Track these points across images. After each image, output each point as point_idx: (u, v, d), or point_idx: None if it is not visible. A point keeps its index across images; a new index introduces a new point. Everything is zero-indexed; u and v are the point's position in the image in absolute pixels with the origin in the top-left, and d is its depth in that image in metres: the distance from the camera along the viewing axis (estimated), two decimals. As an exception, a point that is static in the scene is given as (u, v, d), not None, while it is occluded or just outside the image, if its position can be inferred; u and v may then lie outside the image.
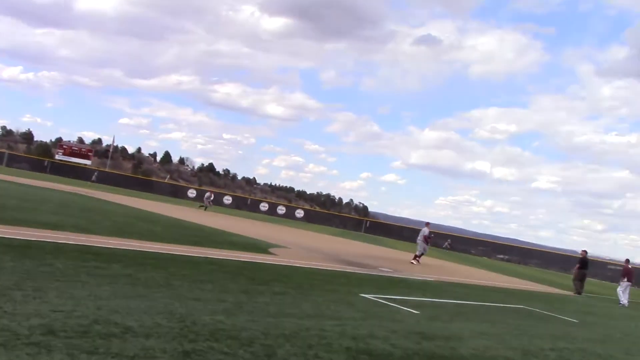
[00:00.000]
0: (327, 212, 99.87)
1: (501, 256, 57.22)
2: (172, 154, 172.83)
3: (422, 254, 25.93)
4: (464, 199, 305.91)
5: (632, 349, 11.14)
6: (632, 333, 13.94)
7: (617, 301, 23.15)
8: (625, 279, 23.52)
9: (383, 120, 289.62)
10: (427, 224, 27.51)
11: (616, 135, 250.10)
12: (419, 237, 26.23)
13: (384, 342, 7.39)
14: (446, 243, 56.67)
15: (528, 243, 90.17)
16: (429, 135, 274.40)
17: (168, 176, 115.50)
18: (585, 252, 25.79)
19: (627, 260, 25.77)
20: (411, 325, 9.07)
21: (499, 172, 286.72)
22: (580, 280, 24.94)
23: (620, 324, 15.67)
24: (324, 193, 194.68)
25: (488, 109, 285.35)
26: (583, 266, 25.07)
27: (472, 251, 58.75)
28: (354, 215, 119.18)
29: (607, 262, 59.98)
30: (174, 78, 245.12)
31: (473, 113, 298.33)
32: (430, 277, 19.22)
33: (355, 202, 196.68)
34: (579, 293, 24.42)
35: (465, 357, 7.46)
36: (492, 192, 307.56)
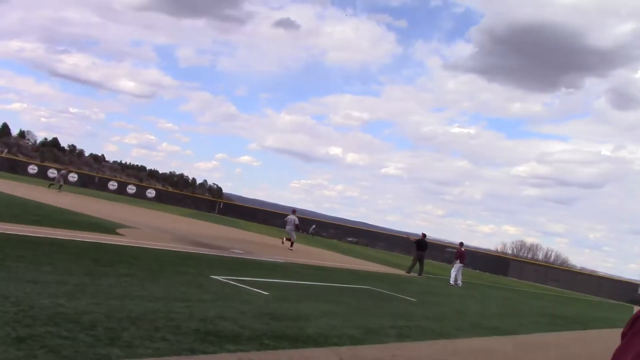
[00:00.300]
0: (179, 192, 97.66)
1: (351, 239, 59.39)
2: (11, 126, 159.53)
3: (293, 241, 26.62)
4: (317, 183, 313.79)
5: (463, 325, 12.07)
6: (464, 311, 15.09)
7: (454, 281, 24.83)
8: (458, 261, 25.26)
9: (240, 101, 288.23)
10: (294, 211, 28.07)
11: (458, 127, 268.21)
12: (289, 226, 26.85)
13: (233, 323, 7.41)
14: (312, 228, 57.56)
15: (376, 226, 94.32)
16: (285, 118, 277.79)
17: (5, 150, 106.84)
18: (424, 235, 27.18)
19: (461, 244, 27.69)
20: (260, 306, 9.17)
21: (351, 157, 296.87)
22: (418, 260, 26.15)
23: (454, 303, 16.90)
24: (177, 173, 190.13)
25: (343, 96, 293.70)
26: (420, 248, 26.21)
27: (324, 234, 60.40)
28: (207, 196, 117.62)
29: (445, 245, 64.29)
30: (15, 44, 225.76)
31: (328, 99, 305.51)
32: (281, 259, 19.51)
33: (210, 183, 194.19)
34: (417, 274, 25.57)
35: (312, 337, 7.67)
36: (344, 176, 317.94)
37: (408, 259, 44.87)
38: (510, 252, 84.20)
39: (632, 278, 55.81)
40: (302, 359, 6.49)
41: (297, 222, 27.28)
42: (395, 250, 55.78)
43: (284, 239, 27.08)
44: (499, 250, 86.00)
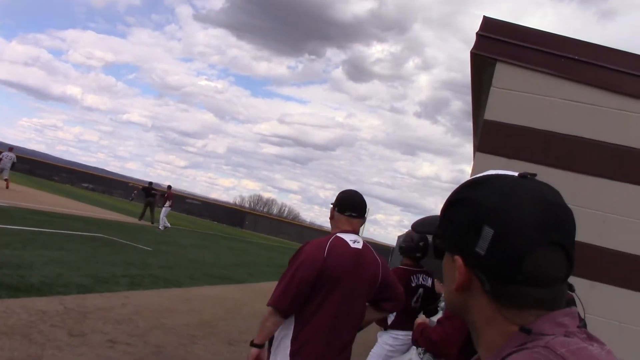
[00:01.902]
0: None
1: (86, 185, 56.21)
2: None
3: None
4: (51, 123, 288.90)
5: (196, 274, 12.36)
6: (198, 260, 15.42)
7: (191, 231, 24.92)
8: (168, 204, 24.93)
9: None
10: (11, 148, 26.65)
11: (206, 79, 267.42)
12: (6, 163, 24.90)
13: (-61, 271, 6.64)
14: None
15: (115, 174, 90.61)
16: (17, 48, 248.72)
17: None
18: (150, 183, 27.38)
19: (169, 187, 27.54)
20: (-25, 253, 8.34)
21: (91, 99, 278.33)
22: (147, 207, 26.33)
23: (188, 252, 17.15)
24: None
25: (85, 32, 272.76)
26: (148, 195, 26.59)
27: (56, 178, 56.25)
28: None
29: (186, 196, 64.39)
30: None
31: (68, 33, 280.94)
32: (4, 202, 17.80)
33: None
34: (149, 222, 25.38)
35: (35, 285, 7.24)
36: (82, 119, 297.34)
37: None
38: (247, 205, 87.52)
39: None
40: (21, 308, 6.10)
41: (14, 159, 26.04)
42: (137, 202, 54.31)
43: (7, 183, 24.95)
44: (237, 203, 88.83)
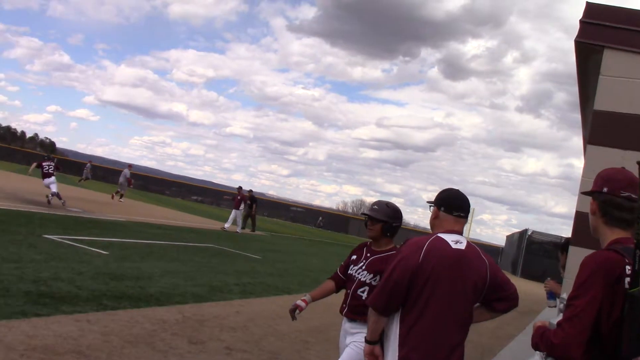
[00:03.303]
0: (7, 146, 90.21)
1: (195, 197, 58.56)
2: None
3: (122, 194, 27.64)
4: (160, 140, 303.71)
5: (305, 281, 12.50)
6: (306, 267, 15.61)
7: (298, 238, 25.12)
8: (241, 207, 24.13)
9: (74, 51, 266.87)
10: (130, 166, 29.71)
11: (303, 88, 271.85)
12: (121, 179, 28.08)
13: (69, 284, 7.08)
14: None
15: (221, 185, 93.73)
16: (125, 71, 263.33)
17: None
18: (250, 191, 26.69)
19: (240, 188, 25.81)
20: (99, 266, 8.83)
21: (195, 115, 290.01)
22: (249, 217, 25.68)
23: (296, 259, 17.41)
24: (4, 125, 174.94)
25: (186, 51, 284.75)
26: (249, 204, 25.55)
27: (167, 192, 58.98)
28: (39, 151, 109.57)
29: (290, 204, 65.63)
30: None
31: (171, 53, 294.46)
32: (122, 217, 18.83)
33: (41, 137, 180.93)
34: (251, 230, 25.22)
35: (154, 296, 7.56)
36: (188, 134, 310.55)
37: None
38: (350, 211, 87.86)
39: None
40: (144, 318, 6.38)
41: (128, 175, 28.31)
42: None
43: (114, 194, 27.73)
44: (340, 209, 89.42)
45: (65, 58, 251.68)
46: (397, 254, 3.01)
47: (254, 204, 25.93)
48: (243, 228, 24.18)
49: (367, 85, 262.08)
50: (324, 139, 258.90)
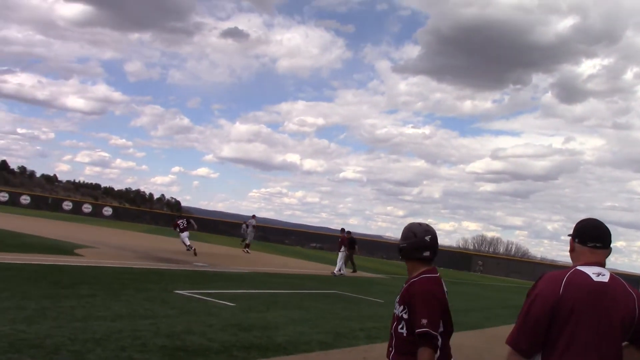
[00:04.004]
0: (137, 208, 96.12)
1: (314, 244, 59.32)
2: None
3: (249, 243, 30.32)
4: (276, 191, 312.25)
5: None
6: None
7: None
8: (343, 248, 23.81)
9: (192, 113, 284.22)
10: (254, 216, 32.26)
11: (412, 127, 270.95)
12: (249, 229, 30.81)
13: (200, 337, 7.32)
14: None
15: (338, 231, 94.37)
16: (240, 128, 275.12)
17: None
18: (349, 232, 25.93)
19: (342, 230, 26.13)
20: (227, 318, 9.09)
21: (309, 163, 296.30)
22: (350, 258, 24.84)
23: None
24: (134, 189, 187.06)
25: (296, 103, 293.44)
26: (351, 246, 24.90)
27: (286, 241, 60.21)
28: (166, 211, 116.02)
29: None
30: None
31: (282, 106, 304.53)
32: (246, 269, 19.39)
33: (167, 197, 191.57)
34: (354, 271, 24.47)
35: (281, 345, 7.64)
36: (303, 183, 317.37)
37: (371, 261, 45.16)
38: (471, 247, 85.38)
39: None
40: (273, 367, 6.45)
41: (254, 223, 31.23)
42: (359, 253, 55.90)
43: (245, 249, 29.83)
44: (460, 246, 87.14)
45: (185, 121, 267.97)
46: (533, 289, 2.82)
47: (355, 245, 25.42)
48: (339, 270, 23.32)
49: (479, 118, 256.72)
50: (437, 176, 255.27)
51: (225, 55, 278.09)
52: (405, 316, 3.25)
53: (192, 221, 24.64)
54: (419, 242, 3.36)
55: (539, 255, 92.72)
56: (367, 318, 11.46)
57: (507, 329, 2.90)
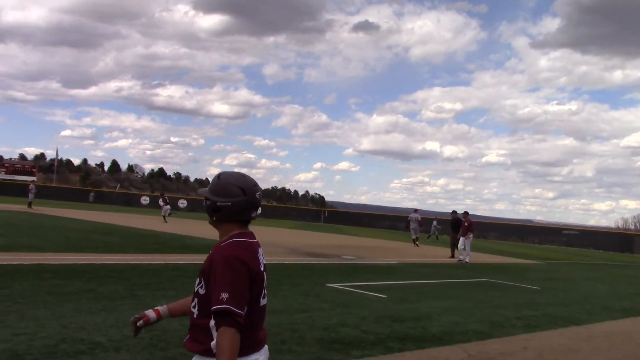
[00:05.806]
0: (284, 206, 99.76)
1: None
2: (120, 162, 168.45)
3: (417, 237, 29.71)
4: (418, 180, 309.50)
5: (594, 309, 11.49)
6: (592, 294, 14.37)
7: (576, 263, 23.28)
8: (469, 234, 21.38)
9: (330, 109, 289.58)
10: (416, 210, 32.45)
11: (557, 104, 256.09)
12: (412, 224, 30.10)
13: (355, 329, 7.44)
14: (433, 227, 48.72)
15: (485, 217, 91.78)
16: (377, 120, 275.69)
17: (118, 185, 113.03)
18: (454, 212, 23.65)
19: (454, 212, 23.63)
20: (380, 310, 9.15)
21: (449, 150, 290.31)
22: (454, 244, 22.87)
23: (579, 286, 16.14)
24: (279, 187, 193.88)
25: (432, 90, 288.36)
26: (454, 229, 22.85)
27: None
28: (311, 206, 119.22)
29: (561, 228, 61.64)
30: (113, 85, 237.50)
31: (418, 95, 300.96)
32: (393, 260, 19.42)
33: (311, 193, 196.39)
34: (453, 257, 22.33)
35: (437, 335, 7.56)
36: (445, 170, 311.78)
37: (522, 246, 43.41)
38: (633, 227, 79.27)
39: None
40: (429, 358, 6.40)
41: (419, 219, 30.54)
42: (508, 239, 54.04)
43: (415, 243, 29.44)
44: (620, 226, 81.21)
45: (323, 117, 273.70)
46: None
47: (459, 228, 22.10)
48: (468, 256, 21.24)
49: (631, 88, 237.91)
50: (589, 153, 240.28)
51: (357, 49, 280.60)
52: (201, 291, 2.50)
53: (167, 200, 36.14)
54: (249, 200, 2.63)
55: None
56: (523, 306, 11.03)
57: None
